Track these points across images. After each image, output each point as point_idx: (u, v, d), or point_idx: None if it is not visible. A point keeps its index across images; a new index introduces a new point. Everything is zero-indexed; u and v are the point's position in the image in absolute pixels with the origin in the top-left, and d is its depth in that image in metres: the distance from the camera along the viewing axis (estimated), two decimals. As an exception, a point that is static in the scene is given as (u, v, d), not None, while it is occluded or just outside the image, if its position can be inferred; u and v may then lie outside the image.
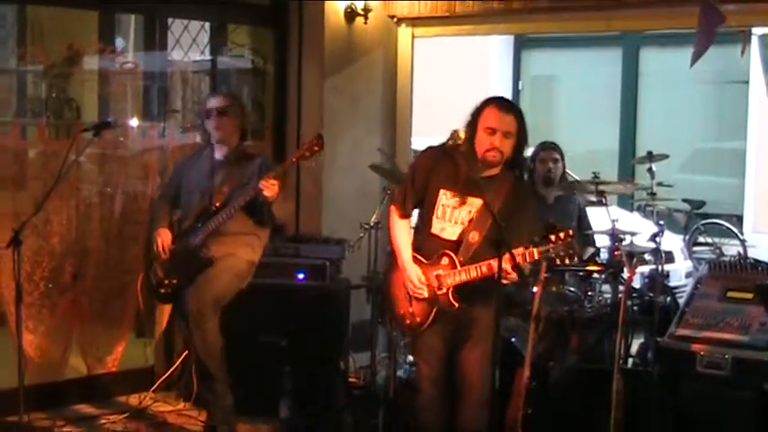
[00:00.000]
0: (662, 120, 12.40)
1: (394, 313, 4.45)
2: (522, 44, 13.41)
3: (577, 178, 7.32)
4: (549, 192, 5.94)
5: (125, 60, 6.40)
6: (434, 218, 4.33)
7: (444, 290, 4.27)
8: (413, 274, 4.32)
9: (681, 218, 11.03)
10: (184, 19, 6.69)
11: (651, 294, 5.59)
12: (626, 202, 10.23)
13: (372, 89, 6.72)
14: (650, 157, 6.20)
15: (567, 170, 6.36)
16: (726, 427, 4.62)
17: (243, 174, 5.23)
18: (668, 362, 4.84)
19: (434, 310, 4.31)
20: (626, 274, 5.28)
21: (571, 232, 4.09)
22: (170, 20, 6.55)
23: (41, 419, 5.46)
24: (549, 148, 6.02)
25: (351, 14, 6.45)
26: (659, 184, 6.36)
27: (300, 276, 5.71)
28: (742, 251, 10.30)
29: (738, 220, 11.56)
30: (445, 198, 4.31)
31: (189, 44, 6.81)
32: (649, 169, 6.22)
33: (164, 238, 5.29)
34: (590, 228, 6.08)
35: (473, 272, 4.20)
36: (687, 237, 10.76)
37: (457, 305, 4.27)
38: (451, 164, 4.28)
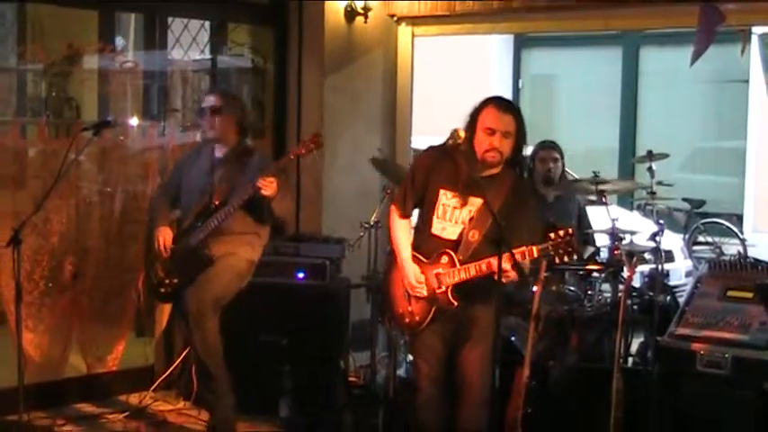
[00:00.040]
0: (662, 119, 12.39)
1: (393, 312, 4.45)
2: (522, 43, 13.41)
3: (577, 177, 7.31)
4: (549, 191, 5.94)
5: (125, 59, 6.41)
6: (435, 218, 4.33)
7: (443, 288, 4.26)
8: (411, 273, 4.32)
9: (681, 217, 11.02)
10: (184, 18, 6.71)
11: (651, 293, 5.58)
12: (626, 202, 10.23)
13: (372, 88, 6.72)
14: (650, 156, 6.20)
15: (567, 169, 6.35)
16: (726, 426, 4.62)
17: (242, 172, 5.21)
18: (668, 361, 4.84)
19: (433, 309, 4.31)
20: (626, 274, 5.27)
21: (571, 231, 4.09)
22: (170, 19, 6.57)
23: (41, 418, 5.46)
24: (548, 147, 6.01)
25: (351, 13, 6.44)
26: (659, 183, 6.37)
27: (300, 275, 5.71)
28: (742, 250, 10.28)
29: (738, 219, 11.55)
30: (446, 198, 4.30)
31: (189, 43, 6.82)
32: (649, 168, 6.21)
33: (165, 236, 5.27)
34: (590, 227, 6.07)
35: (472, 270, 4.19)
36: (687, 236, 10.75)
37: (456, 304, 4.27)
38: (452, 164, 4.27)
